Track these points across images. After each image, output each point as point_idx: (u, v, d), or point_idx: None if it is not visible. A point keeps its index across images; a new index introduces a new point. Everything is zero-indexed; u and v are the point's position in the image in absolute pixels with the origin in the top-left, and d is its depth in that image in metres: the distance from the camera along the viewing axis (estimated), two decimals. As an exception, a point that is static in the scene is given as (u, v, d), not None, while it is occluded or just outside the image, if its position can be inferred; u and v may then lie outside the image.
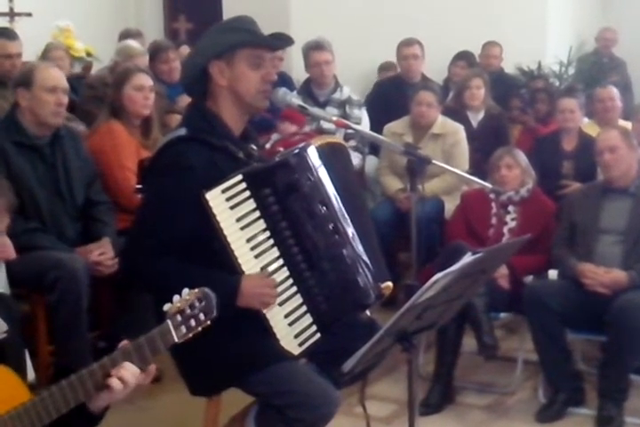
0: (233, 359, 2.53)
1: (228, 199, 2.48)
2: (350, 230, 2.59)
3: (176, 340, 1.87)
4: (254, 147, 2.68)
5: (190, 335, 1.88)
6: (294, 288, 2.55)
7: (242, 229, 2.50)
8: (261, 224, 2.52)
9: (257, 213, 2.52)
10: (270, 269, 2.53)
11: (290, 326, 2.53)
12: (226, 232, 2.47)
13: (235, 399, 2.70)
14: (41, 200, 3.74)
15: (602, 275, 3.77)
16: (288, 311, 2.54)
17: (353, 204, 2.66)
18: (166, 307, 1.88)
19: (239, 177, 2.50)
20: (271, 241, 2.53)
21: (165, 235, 2.48)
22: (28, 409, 1.81)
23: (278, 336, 2.51)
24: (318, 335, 2.56)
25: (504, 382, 4.13)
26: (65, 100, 3.80)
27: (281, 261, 2.54)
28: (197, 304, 1.89)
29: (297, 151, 2.57)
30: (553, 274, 4.10)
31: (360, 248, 2.60)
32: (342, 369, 2.22)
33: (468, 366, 4.23)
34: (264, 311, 2.50)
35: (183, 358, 2.62)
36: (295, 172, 2.54)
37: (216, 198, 2.47)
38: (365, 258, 2.60)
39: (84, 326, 3.64)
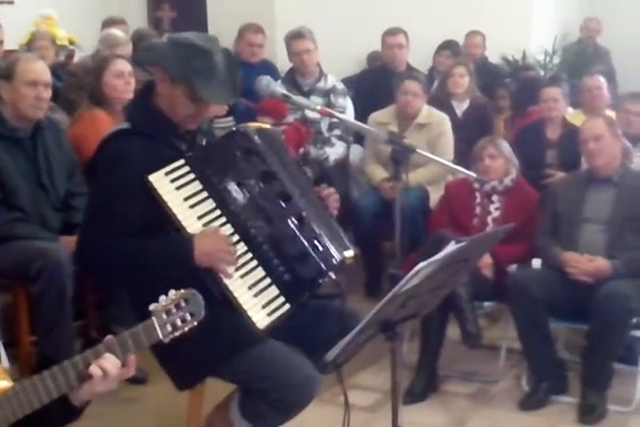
0: (206, 349, 2.51)
1: (172, 181, 2.52)
2: (297, 201, 2.62)
3: (161, 337, 1.88)
4: (204, 139, 2.71)
5: (177, 334, 1.90)
6: (254, 262, 2.57)
7: (191, 207, 2.53)
8: (211, 203, 2.56)
9: (205, 194, 2.56)
10: None
11: (255, 297, 2.53)
12: (175, 211, 2.49)
13: (219, 388, 2.70)
14: (23, 192, 3.71)
15: (585, 263, 3.78)
16: (251, 283, 2.54)
17: (297, 179, 2.69)
18: (152, 306, 1.90)
19: (181, 161, 2.54)
20: (223, 219, 2.56)
21: (117, 226, 2.47)
22: (9, 398, 1.80)
23: (245, 307, 2.50)
24: (288, 306, 2.56)
25: (488, 371, 4.15)
26: (46, 94, 3.73)
27: (237, 237, 2.56)
28: (184, 304, 1.91)
29: (234, 130, 2.66)
30: (536, 263, 4.11)
31: (311, 216, 2.62)
32: (325, 359, 2.22)
33: (451, 354, 4.24)
34: (225, 282, 2.49)
35: (160, 354, 2.61)
36: (235, 149, 2.59)
37: (160, 180, 2.49)
38: (317, 225, 2.61)
39: (68, 316, 3.63)
